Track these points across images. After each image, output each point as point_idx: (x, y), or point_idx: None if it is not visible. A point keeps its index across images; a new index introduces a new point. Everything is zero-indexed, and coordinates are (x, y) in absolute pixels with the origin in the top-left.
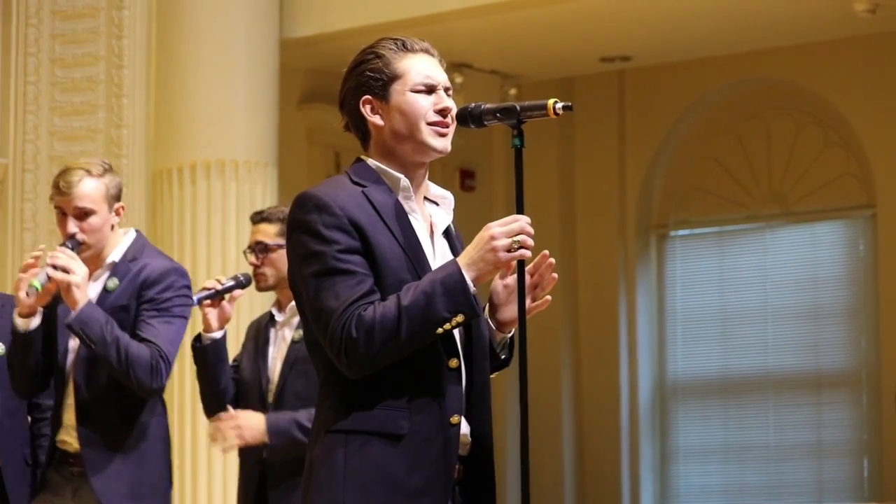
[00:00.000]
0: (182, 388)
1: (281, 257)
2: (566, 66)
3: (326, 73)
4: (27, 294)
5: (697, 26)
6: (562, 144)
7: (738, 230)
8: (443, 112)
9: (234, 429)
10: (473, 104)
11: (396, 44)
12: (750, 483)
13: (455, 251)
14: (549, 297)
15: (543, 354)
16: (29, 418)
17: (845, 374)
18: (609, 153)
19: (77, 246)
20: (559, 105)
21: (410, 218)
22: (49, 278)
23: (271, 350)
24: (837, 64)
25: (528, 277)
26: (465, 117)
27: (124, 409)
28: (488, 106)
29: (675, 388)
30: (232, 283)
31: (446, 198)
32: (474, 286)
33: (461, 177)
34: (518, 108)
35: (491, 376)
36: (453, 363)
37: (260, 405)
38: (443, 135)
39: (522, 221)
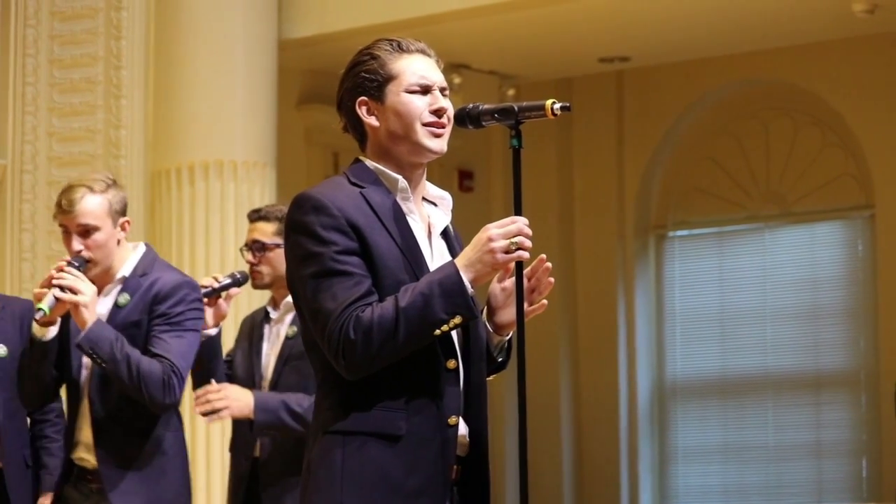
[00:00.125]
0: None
1: (278, 256)
2: (564, 66)
3: (325, 74)
4: (35, 319)
5: (696, 27)
6: (560, 145)
7: (736, 230)
8: (438, 112)
9: (222, 399)
10: (471, 105)
11: (392, 45)
12: (749, 483)
13: (453, 252)
14: (545, 301)
15: (542, 355)
16: (29, 420)
17: (844, 375)
18: (607, 153)
19: (83, 264)
20: (557, 106)
21: (408, 219)
22: (56, 300)
23: (265, 346)
24: (836, 64)
25: (525, 281)
26: (463, 118)
27: (140, 424)
28: (486, 106)
29: (674, 389)
30: (228, 280)
31: (444, 198)
32: (472, 288)
33: (459, 177)
34: (516, 108)
35: (488, 379)
36: (451, 364)
37: None
38: (438, 135)
39: (520, 223)
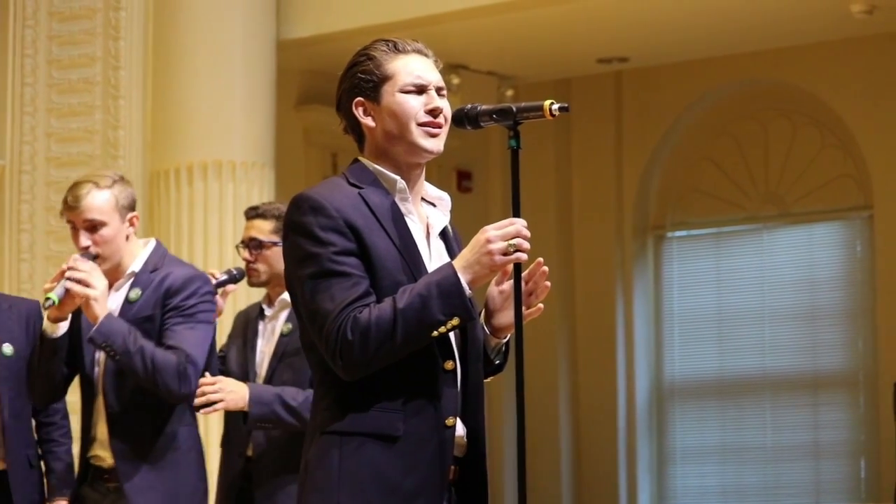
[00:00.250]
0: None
1: (274, 254)
2: (563, 67)
3: (323, 75)
4: (44, 307)
5: (694, 27)
6: (559, 146)
7: (735, 231)
8: (433, 112)
9: (217, 392)
10: (470, 105)
11: (388, 45)
12: (747, 484)
13: (452, 252)
14: (541, 305)
15: (540, 356)
16: (35, 422)
17: (842, 375)
18: (606, 154)
19: (92, 259)
20: (556, 106)
21: (407, 219)
22: (67, 291)
23: (259, 343)
24: (834, 65)
25: (522, 284)
26: (461, 118)
27: (155, 419)
28: (485, 107)
29: (673, 390)
30: (225, 277)
31: (443, 199)
32: (470, 289)
33: (458, 178)
34: (514, 109)
35: (485, 381)
36: (449, 365)
37: None
38: (434, 135)
39: (518, 224)
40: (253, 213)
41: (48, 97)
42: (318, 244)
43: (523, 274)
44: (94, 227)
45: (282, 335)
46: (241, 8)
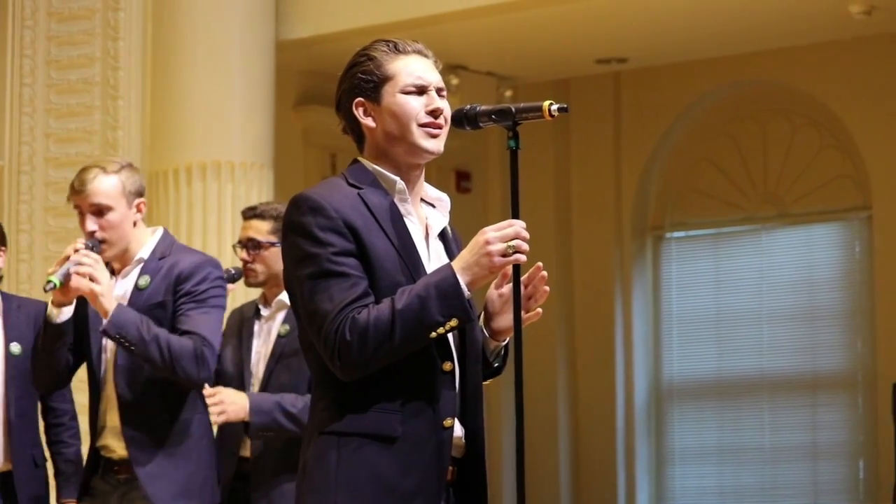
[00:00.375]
0: None
1: (272, 255)
2: (562, 67)
3: (322, 75)
4: (45, 289)
5: (693, 28)
6: (557, 146)
7: (734, 232)
8: (434, 113)
9: (217, 404)
10: (469, 106)
11: (389, 45)
12: (745, 485)
13: (451, 253)
14: (540, 309)
15: (539, 356)
16: (43, 423)
17: (841, 376)
18: (605, 155)
19: (97, 245)
20: (555, 107)
21: (406, 220)
22: (69, 275)
23: (255, 343)
24: (833, 66)
25: (521, 288)
26: (460, 119)
27: (167, 407)
28: (484, 108)
29: (671, 390)
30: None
31: (442, 200)
32: (469, 291)
33: (457, 178)
34: (513, 109)
35: (484, 383)
36: (447, 366)
37: None
38: (434, 136)
39: (517, 226)
40: (251, 214)
41: (47, 97)
42: (317, 244)
43: (523, 278)
44: (100, 211)
45: (279, 336)
46: (239, 8)
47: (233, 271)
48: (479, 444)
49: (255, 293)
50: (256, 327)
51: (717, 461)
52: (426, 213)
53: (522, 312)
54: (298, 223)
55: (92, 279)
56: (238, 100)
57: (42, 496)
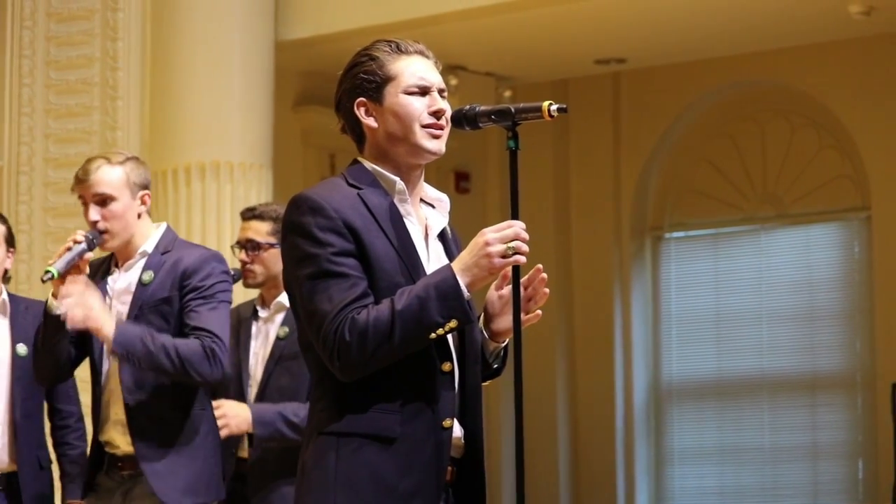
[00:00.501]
0: None
1: (272, 256)
2: (561, 68)
3: (321, 76)
4: (42, 279)
5: (692, 29)
6: (557, 146)
7: (733, 232)
8: (437, 114)
9: (220, 418)
10: (468, 106)
11: (391, 46)
12: (745, 485)
13: (450, 254)
14: (539, 311)
15: (539, 356)
16: (49, 425)
17: (840, 376)
18: (604, 155)
19: (97, 237)
20: (554, 107)
21: (405, 221)
22: (68, 266)
23: (253, 345)
24: (832, 66)
25: (521, 290)
26: (459, 119)
27: (173, 403)
28: (483, 108)
29: (671, 390)
30: None
31: (442, 200)
32: (468, 292)
33: (456, 179)
34: (513, 110)
35: (483, 384)
36: (446, 367)
37: (238, 396)
38: (437, 137)
39: (517, 227)
40: (250, 215)
41: (46, 98)
42: (317, 245)
43: (523, 279)
44: (103, 201)
45: (278, 338)
46: (238, 9)
47: (232, 272)
48: (479, 444)
49: (252, 294)
50: (254, 329)
51: (717, 461)
52: (426, 214)
53: (522, 314)
54: (298, 223)
55: (85, 309)
56: (237, 100)
57: (47, 498)
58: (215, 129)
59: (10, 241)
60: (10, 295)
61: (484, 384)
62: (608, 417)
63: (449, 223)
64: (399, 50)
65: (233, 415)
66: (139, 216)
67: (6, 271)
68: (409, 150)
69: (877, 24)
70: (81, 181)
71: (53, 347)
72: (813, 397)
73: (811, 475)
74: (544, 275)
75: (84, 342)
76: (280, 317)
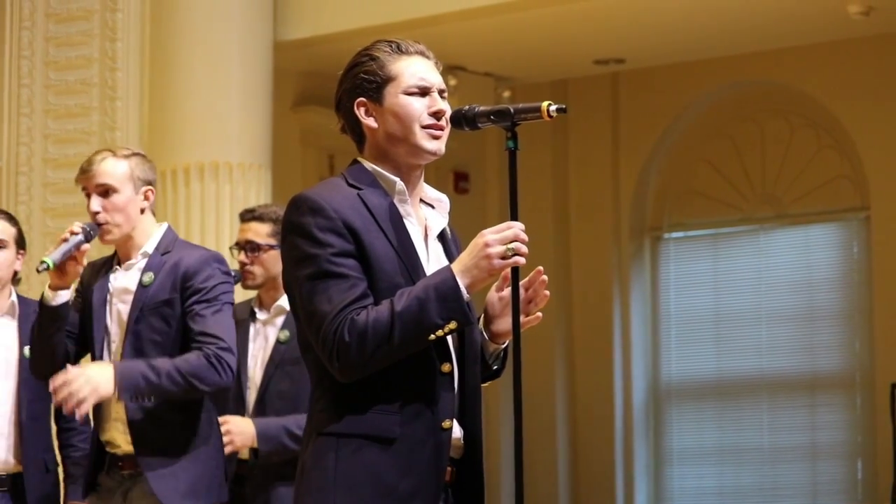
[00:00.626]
0: None
1: (271, 257)
2: (560, 68)
3: (320, 76)
4: (37, 270)
5: (691, 29)
6: (556, 147)
7: (732, 232)
8: (437, 115)
9: (225, 434)
10: (467, 106)
11: (391, 46)
12: (744, 485)
13: (450, 254)
14: (539, 314)
15: (538, 357)
16: (55, 428)
17: (839, 376)
18: (603, 155)
19: (95, 229)
20: (553, 107)
21: (405, 221)
22: (63, 257)
23: (252, 347)
24: (831, 66)
25: (522, 291)
26: (458, 119)
27: (176, 404)
28: (482, 108)
29: (670, 391)
30: None
31: (442, 201)
32: (468, 293)
33: (455, 179)
34: (512, 110)
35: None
36: (446, 368)
37: (237, 399)
38: (436, 137)
39: (516, 228)
40: (249, 216)
41: (45, 98)
42: (317, 245)
43: (523, 282)
44: (105, 192)
45: (278, 342)
46: (237, 9)
47: (233, 273)
48: (478, 445)
49: (247, 295)
50: (252, 331)
51: (716, 462)
52: (425, 214)
53: (522, 316)
54: (298, 224)
55: (91, 391)
56: (236, 100)
57: (51, 500)
58: (214, 130)
59: (21, 243)
60: (19, 297)
61: (483, 385)
62: (607, 418)
63: (449, 223)
64: (399, 50)
65: (237, 431)
66: (142, 211)
67: (16, 273)
68: (409, 150)
69: (876, 25)
70: (85, 171)
71: (49, 339)
72: (812, 397)
73: (810, 475)
74: (545, 277)
75: (85, 339)
76: (280, 320)
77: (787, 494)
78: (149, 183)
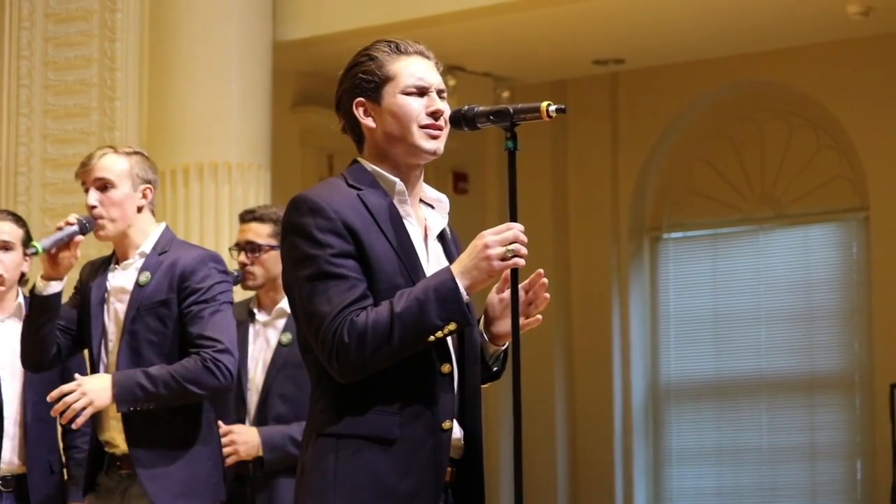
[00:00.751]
0: None
1: (271, 258)
2: (559, 68)
3: (320, 76)
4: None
5: (690, 29)
6: (555, 147)
7: (731, 233)
8: (435, 115)
9: (229, 444)
10: (466, 107)
11: (390, 46)
12: (743, 485)
13: (449, 255)
14: (540, 316)
15: (537, 357)
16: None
17: (838, 377)
18: (602, 156)
19: (91, 221)
20: (552, 108)
21: (405, 221)
22: (54, 244)
23: (252, 349)
24: (830, 66)
25: (522, 293)
26: (458, 120)
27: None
28: (481, 108)
29: (669, 391)
30: None
31: (441, 201)
32: (468, 294)
33: (454, 179)
34: (511, 110)
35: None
36: (446, 368)
37: (237, 400)
38: (435, 137)
39: (516, 229)
40: (249, 217)
41: (44, 99)
42: (316, 246)
43: (523, 284)
44: (103, 186)
45: (280, 345)
46: (237, 9)
47: (234, 273)
48: (478, 445)
49: (246, 296)
50: (252, 332)
51: (715, 462)
52: (425, 215)
53: (522, 318)
54: (297, 224)
55: (88, 403)
56: (235, 101)
57: (55, 502)
58: (213, 130)
59: (28, 245)
60: (25, 298)
61: (483, 386)
62: (606, 418)
63: (448, 224)
64: (399, 50)
65: (241, 441)
66: (139, 210)
67: (23, 274)
68: (407, 150)
69: (875, 25)
70: (85, 165)
71: (39, 330)
72: (811, 398)
73: (809, 476)
74: (545, 280)
75: (81, 336)
76: (281, 322)
77: (786, 495)
78: (148, 182)
